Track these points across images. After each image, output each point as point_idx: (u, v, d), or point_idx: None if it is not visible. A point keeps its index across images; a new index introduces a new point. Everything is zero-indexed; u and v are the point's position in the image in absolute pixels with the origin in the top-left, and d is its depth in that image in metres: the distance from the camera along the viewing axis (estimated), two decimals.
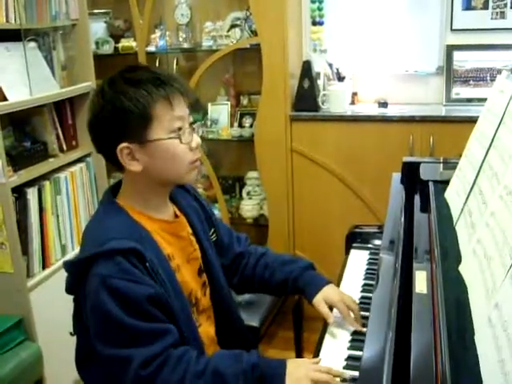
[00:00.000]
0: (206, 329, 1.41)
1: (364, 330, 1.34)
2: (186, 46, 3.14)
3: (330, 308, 1.43)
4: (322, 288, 1.46)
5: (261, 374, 1.18)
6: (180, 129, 1.26)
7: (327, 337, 1.40)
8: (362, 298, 1.55)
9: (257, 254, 1.58)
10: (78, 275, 1.22)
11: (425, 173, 1.74)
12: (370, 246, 1.88)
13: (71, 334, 1.34)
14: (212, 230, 1.51)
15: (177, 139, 1.26)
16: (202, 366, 1.18)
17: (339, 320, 1.43)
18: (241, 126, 3.13)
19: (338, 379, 1.20)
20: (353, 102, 2.97)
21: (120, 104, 1.21)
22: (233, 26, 3.01)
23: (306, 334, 2.51)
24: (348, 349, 1.33)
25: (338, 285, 1.66)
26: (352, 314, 1.41)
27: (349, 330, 1.40)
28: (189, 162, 1.29)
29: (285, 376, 1.18)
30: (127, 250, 1.18)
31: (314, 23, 3.02)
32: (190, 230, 1.42)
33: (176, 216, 1.41)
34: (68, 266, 1.26)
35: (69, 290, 1.28)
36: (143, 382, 1.15)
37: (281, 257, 1.59)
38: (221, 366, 1.18)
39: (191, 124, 1.31)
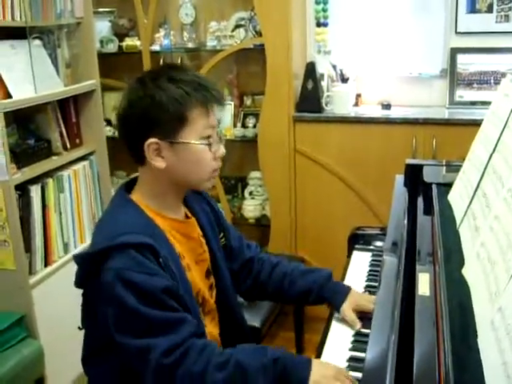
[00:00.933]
0: (211, 330, 1.41)
1: None
2: (190, 45, 3.14)
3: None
4: (347, 295, 1.46)
5: (284, 367, 1.17)
6: (209, 137, 1.28)
7: (329, 337, 1.41)
8: None
9: (271, 261, 1.58)
10: (89, 269, 1.23)
11: (428, 175, 1.74)
12: (372, 247, 1.88)
13: (79, 328, 1.34)
14: (222, 234, 1.51)
15: (206, 146, 1.27)
16: (225, 358, 1.17)
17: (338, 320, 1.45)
18: (244, 126, 3.13)
19: None
20: (356, 104, 2.98)
21: (159, 99, 1.22)
22: (237, 26, 3.02)
23: (306, 335, 2.52)
24: (350, 350, 1.34)
25: None
26: None
27: (350, 330, 1.41)
28: (211, 170, 1.31)
29: (309, 372, 1.17)
30: (141, 244, 1.18)
31: (319, 24, 3.02)
32: (201, 232, 1.43)
33: (187, 217, 1.41)
34: (79, 259, 1.26)
35: (78, 284, 1.28)
36: (165, 370, 1.15)
37: (298, 266, 1.58)
38: (243, 358, 1.17)
39: (219, 135, 1.32)
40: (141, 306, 1.15)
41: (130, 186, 1.36)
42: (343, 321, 1.44)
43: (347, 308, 1.44)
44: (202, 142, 1.26)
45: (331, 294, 1.48)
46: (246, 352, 1.20)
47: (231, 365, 1.16)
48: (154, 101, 1.23)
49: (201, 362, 1.16)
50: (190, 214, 1.42)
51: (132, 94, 1.27)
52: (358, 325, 1.40)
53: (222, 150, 1.32)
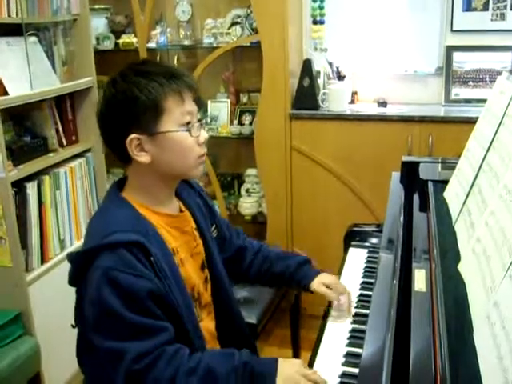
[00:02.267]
0: (207, 324, 1.41)
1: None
2: (186, 42, 3.14)
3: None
4: (318, 274, 1.57)
5: (252, 370, 1.18)
6: (189, 123, 1.28)
7: (326, 333, 1.41)
8: (361, 295, 1.56)
9: (254, 248, 1.65)
10: (80, 267, 1.23)
11: (424, 172, 1.75)
12: (368, 244, 1.89)
13: (72, 326, 1.34)
14: (214, 226, 1.53)
15: (186, 132, 1.27)
16: (195, 363, 1.18)
17: (339, 313, 1.48)
18: (240, 123, 3.13)
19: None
20: (352, 101, 2.98)
21: (131, 94, 1.22)
22: (233, 24, 3.02)
23: (303, 332, 2.52)
24: (346, 346, 1.34)
25: None
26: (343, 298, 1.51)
27: (347, 326, 1.41)
28: (196, 156, 1.31)
29: (276, 373, 1.18)
30: (131, 242, 1.18)
31: (315, 22, 3.02)
32: (194, 225, 1.43)
33: (181, 211, 1.42)
34: (71, 257, 1.26)
35: (71, 282, 1.28)
36: (135, 376, 1.15)
37: (277, 251, 1.66)
38: (213, 362, 1.18)
39: (199, 120, 1.32)
40: (122, 308, 1.15)
41: (122, 184, 1.36)
42: (340, 318, 1.46)
43: (316, 284, 1.54)
44: (181, 129, 1.26)
45: (302, 276, 1.58)
46: (215, 356, 1.21)
47: (201, 369, 1.17)
48: (126, 96, 1.23)
49: (171, 368, 1.16)
50: (183, 208, 1.43)
51: (105, 95, 1.28)
52: (333, 296, 1.50)
53: (204, 135, 1.32)
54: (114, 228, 1.21)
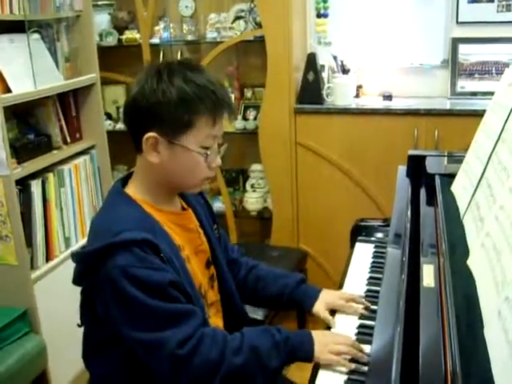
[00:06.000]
0: (215, 322, 1.41)
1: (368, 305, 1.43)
2: (189, 37, 3.12)
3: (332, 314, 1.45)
4: (318, 296, 1.48)
5: (292, 344, 1.24)
6: (209, 148, 1.26)
7: (333, 329, 1.40)
8: (368, 291, 1.54)
9: (248, 265, 1.58)
10: (88, 266, 1.22)
11: (431, 166, 1.73)
12: (374, 239, 1.88)
13: (78, 325, 1.33)
14: (215, 226, 1.51)
15: (202, 157, 1.26)
16: (238, 342, 1.21)
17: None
18: (245, 118, 3.12)
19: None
20: (357, 95, 2.96)
21: (169, 97, 1.21)
22: (237, 18, 3.00)
23: (310, 327, 2.51)
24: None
25: (343, 278, 1.66)
26: (354, 304, 1.45)
27: (355, 322, 1.40)
28: (204, 178, 1.31)
29: (313, 345, 1.24)
30: (141, 240, 1.17)
31: (319, 15, 3.00)
32: (198, 223, 1.42)
33: (183, 209, 1.41)
34: (77, 256, 1.26)
35: (77, 281, 1.27)
36: (180, 361, 1.16)
37: (273, 270, 1.58)
38: (255, 340, 1.22)
39: (220, 145, 1.31)
40: (150, 299, 1.15)
41: (125, 182, 1.35)
42: (348, 312, 1.44)
43: (318, 308, 1.46)
44: (200, 151, 1.25)
45: (302, 297, 1.50)
46: (256, 334, 1.25)
47: (245, 348, 1.20)
48: (164, 97, 1.21)
49: (216, 349, 1.18)
50: (186, 206, 1.42)
51: (145, 84, 1.24)
52: (332, 323, 1.41)
53: (218, 161, 1.31)
54: (122, 226, 1.20)
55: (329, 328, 1.41)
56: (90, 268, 1.21)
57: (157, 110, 1.22)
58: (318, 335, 1.27)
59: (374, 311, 1.35)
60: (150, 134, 1.23)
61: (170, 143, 1.24)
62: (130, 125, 1.29)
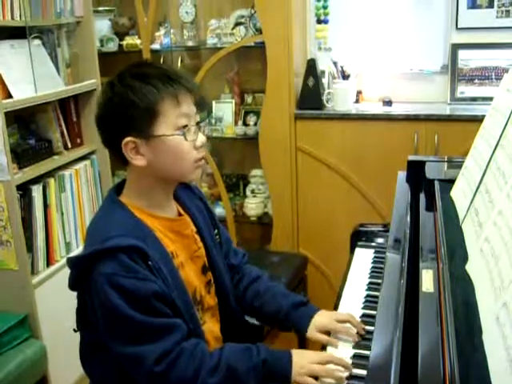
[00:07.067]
0: (211, 327, 1.41)
1: (363, 332, 1.35)
2: (190, 43, 3.13)
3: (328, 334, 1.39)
4: (312, 318, 1.41)
5: (270, 367, 1.22)
6: (185, 126, 1.26)
7: (332, 336, 1.40)
8: (368, 296, 1.54)
9: (250, 276, 1.54)
10: (81, 272, 1.23)
11: (430, 171, 1.74)
12: (374, 244, 1.88)
13: (74, 330, 1.34)
14: (216, 231, 1.51)
15: (181, 136, 1.26)
16: (215, 362, 1.20)
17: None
18: (245, 124, 3.13)
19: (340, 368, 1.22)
20: (357, 101, 2.97)
21: (127, 97, 1.22)
22: (237, 24, 3.01)
23: (309, 342, 2.50)
24: (353, 347, 1.33)
25: (343, 283, 1.66)
26: (349, 325, 1.38)
27: (354, 328, 1.40)
28: (193, 161, 1.29)
29: (291, 366, 1.22)
30: (129, 247, 1.18)
31: (319, 21, 3.01)
32: (195, 229, 1.42)
33: (180, 215, 1.40)
34: (71, 262, 1.26)
35: (72, 286, 1.28)
36: (157, 378, 1.16)
37: (274, 287, 1.52)
38: (233, 361, 1.21)
39: (198, 123, 1.31)
40: (131, 311, 1.16)
41: (120, 188, 1.35)
42: (340, 335, 1.38)
43: (312, 332, 1.39)
44: (175, 133, 1.25)
45: (295, 321, 1.43)
46: (235, 353, 1.23)
47: (222, 368, 1.19)
48: (122, 99, 1.23)
49: (192, 367, 1.18)
50: (183, 212, 1.42)
51: (103, 98, 1.28)
52: (333, 342, 1.35)
53: (201, 139, 1.30)
54: (111, 233, 1.20)
55: (324, 348, 1.36)
56: (82, 274, 1.22)
57: (121, 114, 1.24)
58: (297, 355, 1.24)
59: (373, 316, 1.35)
60: (126, 139, 1.24)
61: (148, 140, 1.24)
62: (105, 140, 1.31)
